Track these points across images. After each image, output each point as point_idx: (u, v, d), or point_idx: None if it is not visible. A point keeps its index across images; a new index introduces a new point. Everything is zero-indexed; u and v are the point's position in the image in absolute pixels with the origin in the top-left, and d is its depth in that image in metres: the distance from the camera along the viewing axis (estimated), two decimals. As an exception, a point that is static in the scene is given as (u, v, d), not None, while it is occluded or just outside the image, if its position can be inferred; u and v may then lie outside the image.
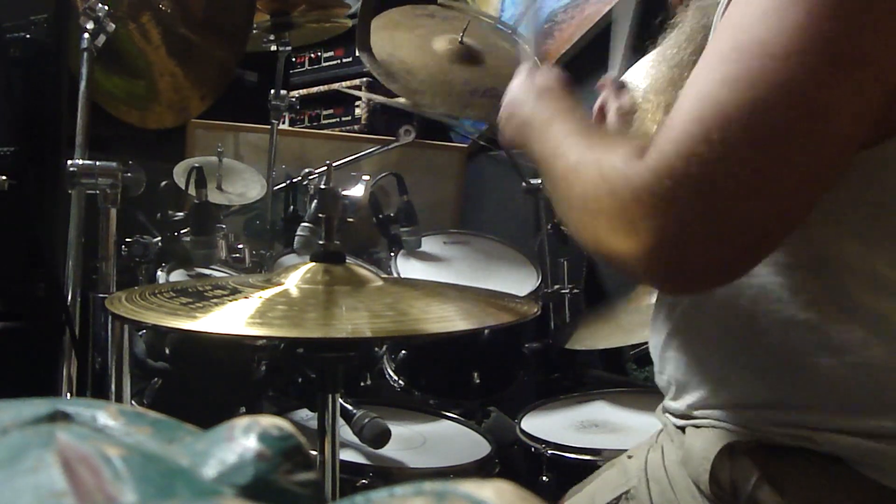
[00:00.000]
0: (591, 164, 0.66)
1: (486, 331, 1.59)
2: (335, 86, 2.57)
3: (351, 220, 1.71)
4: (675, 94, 0.81)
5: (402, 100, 2.12)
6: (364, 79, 2.46)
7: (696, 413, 0.77)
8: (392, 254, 1.78)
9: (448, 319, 0.82)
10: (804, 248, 0.67)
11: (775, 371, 0.70)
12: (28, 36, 1.44)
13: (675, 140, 0.60)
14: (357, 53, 2.48)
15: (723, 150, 0.58)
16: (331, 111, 2.59)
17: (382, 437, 1.20)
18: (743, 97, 0.59)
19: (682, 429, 0.79)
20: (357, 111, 2.53)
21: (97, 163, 1.15)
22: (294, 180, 1.87)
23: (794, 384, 0.69)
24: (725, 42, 0.63)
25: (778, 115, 0.58)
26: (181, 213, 1.65)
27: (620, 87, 1.11)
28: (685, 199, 0.59)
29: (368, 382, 1.62)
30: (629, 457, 0.87)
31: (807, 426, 0.68)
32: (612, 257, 0.65)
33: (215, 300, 0.81)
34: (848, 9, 0.59)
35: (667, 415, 0.83)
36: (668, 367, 0.81)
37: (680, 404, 0.80)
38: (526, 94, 0.88)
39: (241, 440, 0.29)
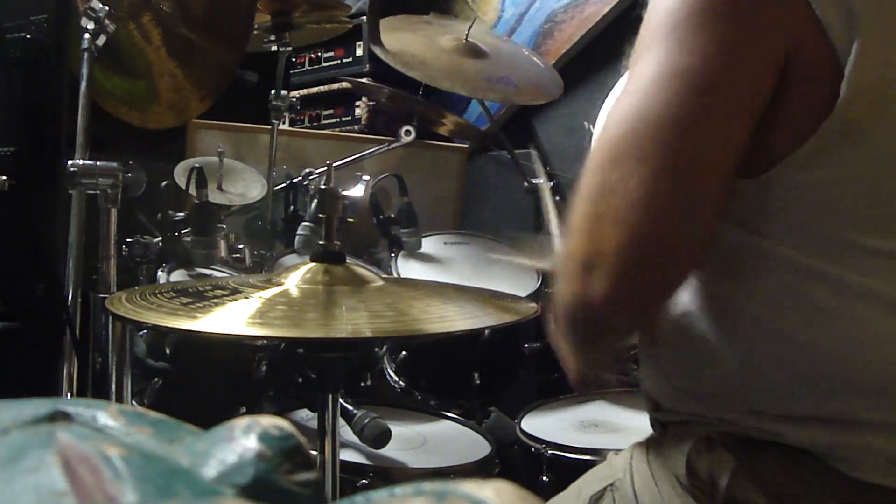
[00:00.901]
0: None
1: (486, 331, 1.59)
2: (338, 85, 2.56)
3: (351, 220, 1.71)
4: None
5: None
6: (365, 79, 2.46)
7: (679, 410, 0.80)
8: (392, 254, 1.78)
9: (448, 319, 0.82)
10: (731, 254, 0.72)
11: (743, 375, 0.73)
12: (28, 36, 1.44)
13: (581, 195, 0.68)
14: (358, 53, 2.50)
15: (616, 192, 0.64)
16: (331, 111, 2.59)
17: (383, 438, 1.20)
18: (623, 135, 0.65)
19: (665, 425, 0.82)
20: (357, 111, 2.53)
21: (97, 163, 1.15)
22: (294, 180, 1.87)
23: (760, 386, 0.71)
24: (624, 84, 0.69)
25: (653, 147, 0.64)
26: (182, 214, 1.65)
27: None
28: (605, 248, 0.64)
29: (369, 382, 1.62)
30: (615, 454, 0.89)
31: (773, 420, 0.71)
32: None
33: (215, 300, 0.81)
34: (703, 39, 0.64)
35: (654, 413, 0.85)
36: (648, 372, 0.84)
37: (663, 405, 0.82)
38: None
39: (242, 440, 0.29)
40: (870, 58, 0.63)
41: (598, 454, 1.24)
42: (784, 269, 0.69)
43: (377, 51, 1.76)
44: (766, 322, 0.70)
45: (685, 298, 0.75)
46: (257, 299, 0.81)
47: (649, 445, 0.83)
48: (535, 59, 2.14)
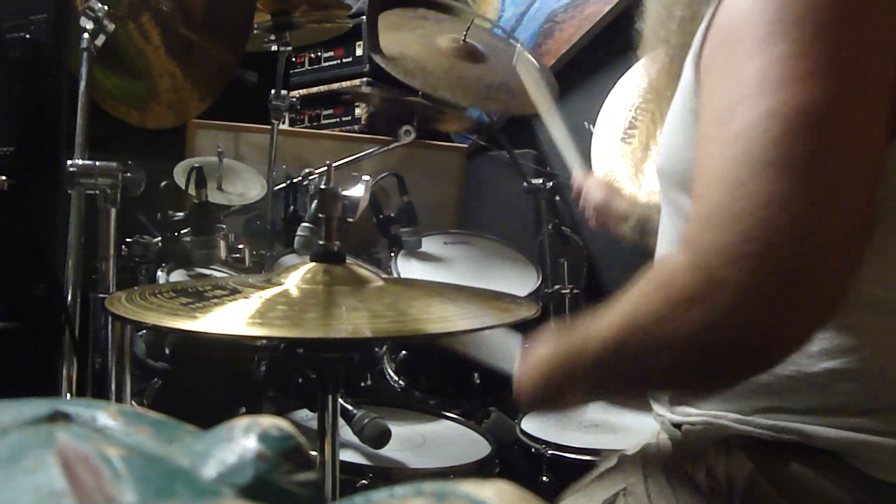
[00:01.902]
0: (640, 317, 0.64)
1: (486, 331, 1.59)
2: (335, 85, 2.56)
3: (351, 220, 1.71)
4: (663, 101, 0.82)
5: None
6: (365, 79, 2.46)
7: (692, 412, 0.78)
8: (392, 254, 1.78)
9: (448, 319, 0.82)
10: None
11: (770, 379, 0.71)
12: (28, 36, 1.44)
13: (719, 220, 0.59)
14: (358, 53, 2.50)
15: (769, 204, 0.56)
16: (331, 111, 2.59)
17: (383, 438, 1.20)
18: (764, 142, 0.58)
19: (679, 426, 0.81)
20: (357, 111, 2.53)
21: (97, 163, 1.15)
22: (294, 180, 1.87)
23: (788, 390, 0.70)
24: (722, 93, 0.63)
25: (801, 144, 0.57)
26: (181, 213, 1.65)
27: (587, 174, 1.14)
28: (767, 269, 0.56)
29: (369, 382, 1.62)
30: (626, 455, 0.87)
31: (798, 422, 0.69)
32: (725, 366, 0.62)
33: (215, 300, 0.81)
34: (831, 27, 0.59)
35: (663, 415, 0.84)
36: None
37: (677, 408, 0.81)
38: (533, 370, 0.80)
39: (241, 440, 0.29)
40: None
41: (598, 454, 1.24)
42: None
43: (377, 59, 1.76)
44: None
45: None
46: (257, 299, 0.81)
47: (662, 449, 0.82)
48: (531, 58, 2.14)
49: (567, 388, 0.75)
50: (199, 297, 0.83)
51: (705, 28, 0.68)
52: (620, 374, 0.68)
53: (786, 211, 0.56)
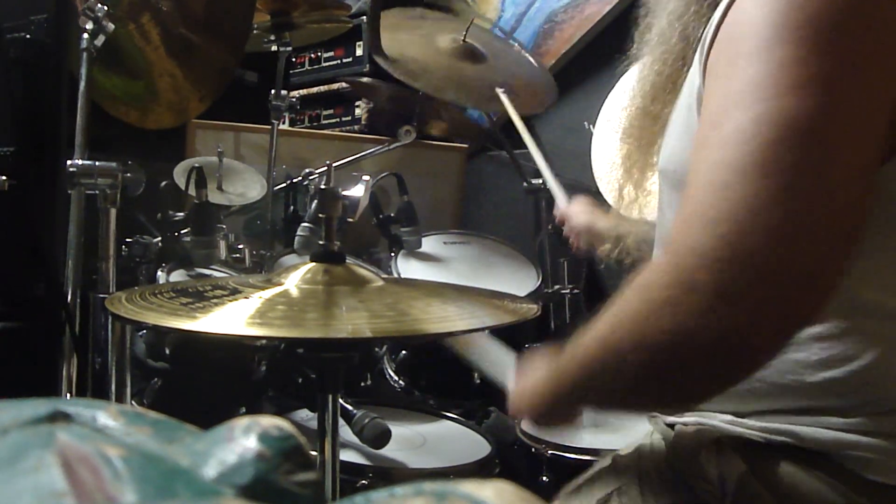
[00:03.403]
0: (629, 321, 0.63)
1: (486, 331, 1.59)
2: (335, 85, 2.56)
3: (351, 220, 1.71)
4: (662, 103, 0.83)
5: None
6: (365, 79, 2.46)
7: (685, 415, 0.79)
8: (392, 254, 1.78)
9: (448, 319, 0.82)
10: None
11: (766, 384, 0.71)
12: (28, 36, 1.44)
13: (699, 222, 0.58)
14: (358, 53, 2.50)
15: (748, 210, 0.56)
16: (331, 111, 2.59)
17: (383, 438, 1.20)
18: (751, 147, 0.57)
19: (672, 426, 0.81)
20: (357, 111, 2.53)
21: (97, 163, 1.15)
22: (294, 180, 1.87)
23: (782, 394, 0.71)
24: (720, 96, 0.63)
25: (788, 154, 0.57)
26: (181, 214, 1.65)
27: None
28: (741, 274, 0.56)
29: (369, 382, 1.62)
30: (621, 455, 0.88)
31: (789, 424, 0.70)
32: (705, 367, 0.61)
33: (215, 300, 0.81)
34: (833, 37, 0.59)
35: (657, 416, 0.84)
36: None
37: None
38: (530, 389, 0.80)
39: (241, 440, 0.29)
40: None
41: (598, 454, 1.24)
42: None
43: (379, 60, 1.76)
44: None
45: None
46: (257, 299, 0.81)
47: (655, 449, 0.83)
48: (529, 58, 2.14)
49: (563, 398, 0.74)
50: (199, 297, 0.83)
51: (714, 30, 0.68)
52: (604, 378, 0.67)
53: (767, 218, 0.55)
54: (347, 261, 0.91)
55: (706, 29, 0.71)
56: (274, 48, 1.98)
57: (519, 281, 1.73)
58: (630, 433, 1.37)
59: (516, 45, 2.26)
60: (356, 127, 2.51)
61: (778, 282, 0.56)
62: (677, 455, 0.78)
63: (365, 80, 2.37)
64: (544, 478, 1.31)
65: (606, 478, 0.85)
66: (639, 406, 0.74)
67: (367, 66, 2.45)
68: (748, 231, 0.56)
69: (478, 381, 1.64)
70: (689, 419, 0.78)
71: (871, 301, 0.68)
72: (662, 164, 0.81)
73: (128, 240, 1.55)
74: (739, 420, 0.73)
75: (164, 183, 1.75)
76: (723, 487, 0.72)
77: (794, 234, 0.56)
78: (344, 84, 2.48)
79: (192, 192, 1.59)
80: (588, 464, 1.10)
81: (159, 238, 1.59)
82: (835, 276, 0.58)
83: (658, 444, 0.83)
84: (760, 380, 0.71)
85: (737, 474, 0.71)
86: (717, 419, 0.75)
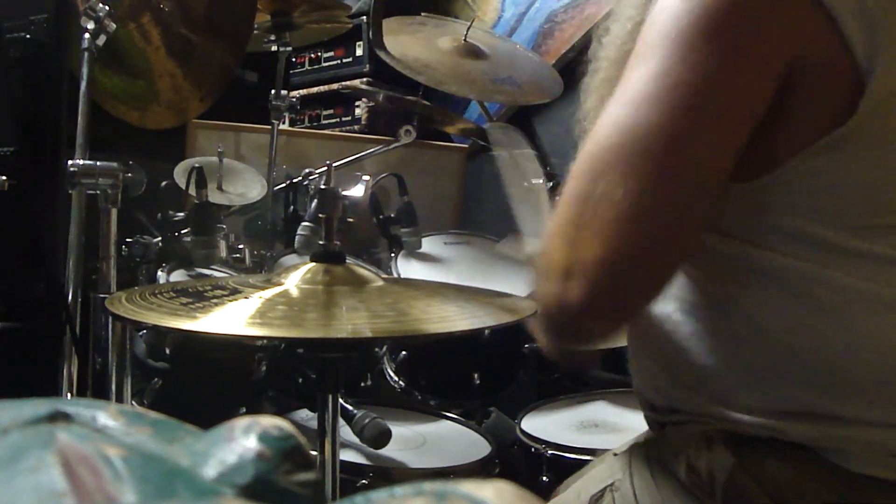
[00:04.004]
0: None
1: (486, 331, 1.59)
2: (335, 85, 2.57)
3: (351, 220, 1.71)
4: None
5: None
6: (365, 79, 2.46)
7: (676, 407, 0.80)
8: (392, 254, 1.77)
9: (448, 319, 0.82)
10: (731, 263, 0.72)
11: (739, 370, 0.73)
12: (28, 36, 1.44)
13: (562, 201, 0.70)
14: (358, 53, 2.50)
15: (595, 201, 0.65)
16: (331, 111, 2.59)
17: (383, 438, 1.20)
18: (609, 145, 0.66)
19: (663, 425, 0.83)
20: (357, 111, 2.53)
21: (97, 163, 1.15)
22: (294, 180, 1.87)
23: (754, 381, 0.72)
24: (615, 93, 0.70)
25: (638, 159, 0.64)
26: (181, 214, 1.65)
27: None
28: (583, 256, 0.66)
29: (369, 383, 1.62)
30: (615, 454, 0.90)
31: (769, 416, 0.71)
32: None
33: (215, 300, 0.81)
34: (699, 53, 0.63)
35: (650, 413, 0.86)
36: (641, 370, 0.85)
37: (658, 405, 0.83)
38: None
39: (241, 440, 0.29)
40: (892, 70, 0.64)
41: (598, 454, 1.24)
42: (780, 276, 0.69)
43: (382, 55, 1.75)
44: (762, 322, 0.71)
45: (678, 295, 0.75)
46: (257, 299, 0.81)
47: (648, 445, 0.84)
48: (532, 56, 2.14)
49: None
50: (199, 297, 0.83)
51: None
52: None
53: (611, 213, 0.64)
54: (347, 261, 0.91)
55: None
56: (274, 48, 1.98)
57: (519, 281, 1.73)
58: (631, 433, 1.37)
59: (518, 45, 2.26)
60: (356, 127, 2.51)
61: (612, 273, 0.65)
62: (667, 450, 0.79)
63: (363, 85, 2.37)
64: (544, 478, 1.31)
65: (601, 474, 0.87)
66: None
67: (368, 66, 2.45)
68: (592, 220, 0.65)
69: (478, 381, 1.64)
70: (679, 417, 0.79)
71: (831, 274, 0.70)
72: None
73: (128, 240, 1.55)
74: (725, 414, 0.74)
75: (164, 183, 1.75)
76: (712, 481, 0.73)
77: (630, 230, 0.64)
78: (344, 84, 2.48)
79: (192, 192, 1.59)
80: (588, 464, 1.11)
81: (159, 238, 1.59)
82: (666, 270, 0.68)
83: (650, 439, 0.85)
84: (741, 372, 0.73)
85: (726, 468, 0.72)
86: (706, 414, 0.76)
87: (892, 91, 0.64)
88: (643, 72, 0.65)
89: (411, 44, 1.87)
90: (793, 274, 0.68)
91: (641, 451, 0.84)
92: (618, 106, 0.66)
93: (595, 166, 0.66)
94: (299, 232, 1.59)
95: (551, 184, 1.96)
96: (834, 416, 0.68)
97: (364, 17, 2.29)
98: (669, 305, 0.76)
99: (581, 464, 1.24)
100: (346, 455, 1.26)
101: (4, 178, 1.30)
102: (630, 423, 1.42)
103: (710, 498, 0.73)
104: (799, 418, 0.69)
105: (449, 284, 1.32)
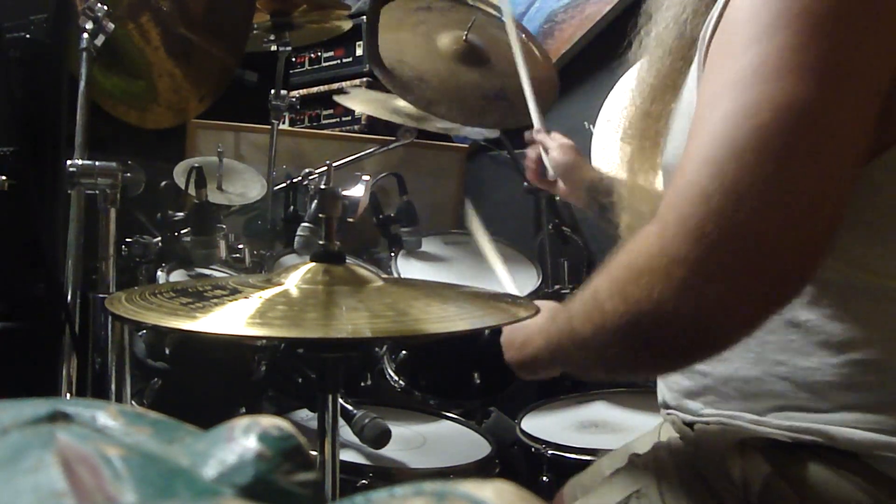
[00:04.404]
0: (617, 280, 0.65)
1: (487, 331, 1.59)
2: (335, 86, 2.56)
3: (351, 220, 1.71)
4: (662, 103, 0.83)
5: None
6: (364, 79, 2.46)
7: (705, 412, 0.78)
8: (392, 254, 1.78)
9: (448, 319, 0.82)
10: None
11: (781, 374, 0.71)
12: (28, 36, 1.44)
13: (690, 195, 0.60)
14: (358, 53, 2.49)
15: (740, 187, 0.58)
16: (331, 111, 2.59)
17: (383, 438, 1.20)
18: (748, 127, 0.59)
19: (691, 426, 0.80)
20: (357, 111, 2.53)
21: (97, 163, 1.15)
22: (294, 180, 1.87)
23: (808, 389, 0.70)
24: (718, 78, 0.64)
25: (784, 136, 0.58)
26: (181, 213, 1.65)
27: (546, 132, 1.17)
28: (726, 249, 0.58)
29: (368, 382, 1.62)
30: (638, 455, 0.87)
31: (822, 423, 0.69)
32: (682, 342, 0.63)
33: (215, 300, 0.81)
34: (832, 25, 0.60)
35: (674, 412, 0.83)
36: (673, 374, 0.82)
37: (689, 406, 0.80)
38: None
39: (241, 440, 0.29)
40: None
41: (598, 454, 1.24)
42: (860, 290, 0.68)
43: (376, 72, 1.75)
44: (827, 329, 0.69)
45: None
46: (257, 299, 0.81)
47: (675, 449, 0.82)
48: (535, 50, 2.13)
49: (548, 354, 0.79)
50: (199, 297, 0.83)
51: (714, 24, 0.69)
52: (585, 338, 0.69)
53: (757, 197, 0.57)
54: (347, 261, 0.91)
55: (706, 25, 0.71)
56: (274, 48, 1.98)
57: (519, 281, 1.73)
58: (631, 433, 1.37)
59: (523, 34, 2.24)
60: (356, 127, 2.51)
61: (761, 262, 0.57)
62: (698, 456, 0.77)
63: (364, 87, 2.38)
64: (544, 478, 1.31)
65: (624, 480, 0.84)
66: (614, 370, 0.76)
67: (367, 66, 2.45)
68: (739, 208, 0.57)
69: (478, 381, 1.64)
70: (711, 418, 0.77)
71: (880, 285, 0.68)
72: (666, 161, 0.81)
73: (128, 240, 1.55)
74: (763, 419, 0.72)
75: (164, 183, 1.75)
76: (746, 489, 0.71)
77: (783, 216, 0.58)
78: (345, 84, 2.48)
79: (192, 192, 1.59)
80: (588, 464, 1.11)
81: (159, 238, 1.59)
82: (815, 261, 0.60)
83: (677, 443, 0.82)
84: (784, 377, 0.71)
85: (762, 476, 0.70)
86: (740, 419, 0.74)
87: None
88: (774, 44, 0.60)
89: (410, 42, 1.86)
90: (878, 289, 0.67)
91: (668, 456, 0.81)
92: (747, 82, 0.60)
93: (748, 146, 0.58)
94: (299, 232, 1.59)
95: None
96: (884, 423, 0.66)
97: (364, 18, 2.29)
98: None
99: (581, 463, 1.24)
100: (346, 455, 1.26)
101: (4, 178, 1.30)
102: (630, 423, 1.42)
103: None
104: (849, 425, 0.68)
105: (449, 284, 1.32)
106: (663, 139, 0.84)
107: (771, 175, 0.57)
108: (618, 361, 0.70)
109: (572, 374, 0.93)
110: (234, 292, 0.83)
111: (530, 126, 1.56)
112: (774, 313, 0.62)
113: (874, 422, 0.67)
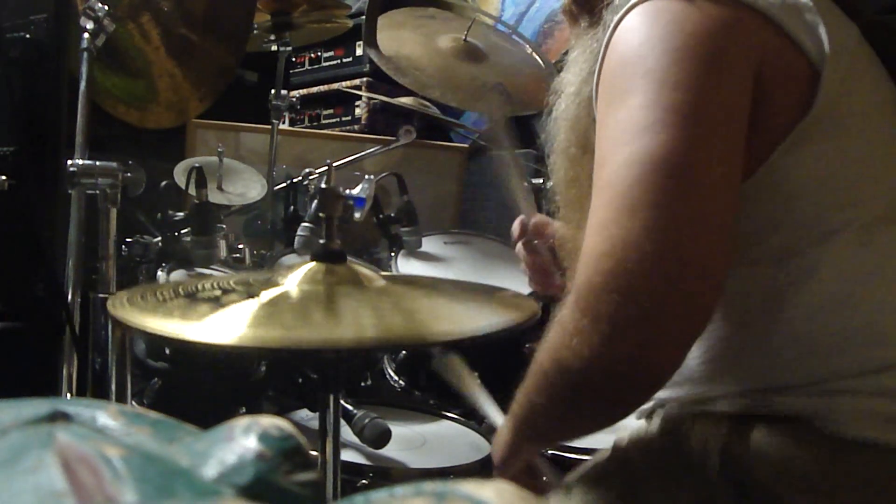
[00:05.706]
0: (546, 362, 0.73)
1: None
2: (335, 85, 2.57)
3: (357, 218, 1.71)
4: (581, 124, 0.87)
5: (403, 99, 2.12)
6: (364, 78, 2.47)
7: (659, 397, 0.83)
8: (392, 254, 1.78)
9: (453, 320, 0.82)
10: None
11: (730, 355, 0.77)
12: (28, 36, 1.44)
13: (590, 259, 0.66)
14: (358, 53, 2.50)
15: (628, 244, 0.63)
16: (331, 111, 2.59)
17: (383, 438, 1.20)
18: (624, 186, 0.65)
19: (650, 414, 0.87)
20: (357, 111, 2.53)
21: (97, 163, 1.15)
22: (294, 180, 1.87)
23: (748, 364, 0.76)
24: (599, 143, 0.71)
25: (653, 189, 0.64)
26: (181, 213, 1.65)
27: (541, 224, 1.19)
28: (633, 302, 0.63)
29: (369, 382, 1.62)
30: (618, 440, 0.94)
31: (761, 393, 0.74)
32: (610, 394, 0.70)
33: (215, 301, 0.81)
34: (689, 77, 0.66)
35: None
36: None
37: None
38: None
39: (241, 440, 0.29)
40: (839, 66, 0.71)
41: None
42: (771, 265, 0.74)
43: (371, 54, 1.75)
44: (764, 305, 0.74)
45: None
46: (258, 300, 0.80)
47: (649, 428, 0.87)
48: (536, 56, 2.13)
49: (518, 439, 0.84)
50: (198, 298, 0.83)
51: (597, 74, 0.75)
52: (540, 407, 0.76)
53: (641, 252, 0.62)
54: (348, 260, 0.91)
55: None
56: (274, 48, 1.98)
57: (519, 281, 1.73)
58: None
59: (521, 40, 2.25)
60: (356, 127, 2.52)
61: (660, 309, 0.63)
62: (664, 428, 0.83)
63: (364, 91, 2.38)
64: (544, 478, 1.31)
65: (606, 462, 0.91)
66: (570, 432, 0.85)
67: (367, 66, 2.45)
68: (628, 265, 0.63)
69: (478, 381, 1.64)
70: (666, 402, 0.83)
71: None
72: None
73: (128, 240, 1.55)
74: (714, 398, 0.77)
75: (164, 183, 1.75)
76: (705, 451, 0.76)
77: (667, 263, 0.63)
78: (344, 84, 2.48)
79: (192, 192, 1.59)
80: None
81: (159, 238, 1.59)
82: (717, 285, 0.65)
83: (650, 424, 0.88)
84: (731, 362, 0.77)
85: (720, 436, 0.75)
86: (693, 401, 0.79)
87: (839, 87, 0.71)
88: (634, 104, 0.67)
89: (410, 40, 1.87)
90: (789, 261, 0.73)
91: (641, 434, 0.87)
92: (619, 145, 0.67)
93: (623, 207, 0.64)
94: (299, 232, 1.59)
95: (552, 183, 1.96)
96: (820, 390, 0.71)
97: (364, 17, 2.29)
98: None
99: (580, 464, 1.24)
100: (346, 455, 1.26)
101: (4, 177, 1.30)
102: (630, 424, 1.42)
103: (703, 471, 0.76)
104: (788, 394, 0.73)
105: (449, 280, 1.32)
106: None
107: (648, 229, 0.63)
108: (575, 420, 0.77)
109: (548, 446, 1.05)
110: (233, 292, 0.83)
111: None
112: (693, 343, 0.68)
113: (811, 390, 0.71)
